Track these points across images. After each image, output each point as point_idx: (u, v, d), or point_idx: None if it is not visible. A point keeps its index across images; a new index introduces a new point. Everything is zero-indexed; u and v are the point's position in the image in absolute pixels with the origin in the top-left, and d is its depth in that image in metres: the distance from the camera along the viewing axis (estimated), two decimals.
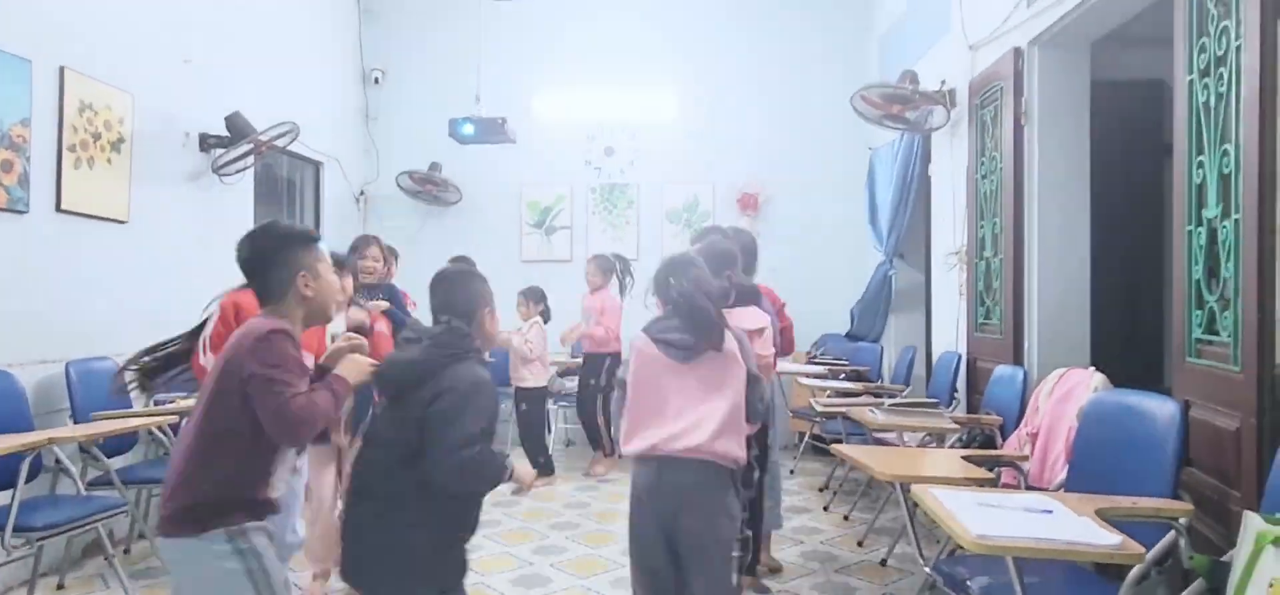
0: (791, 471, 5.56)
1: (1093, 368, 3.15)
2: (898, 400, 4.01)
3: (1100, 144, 3.88)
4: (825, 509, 4.65)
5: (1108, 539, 1.65)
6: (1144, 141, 4.45)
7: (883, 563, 3.74)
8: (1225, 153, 2.32)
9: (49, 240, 3.59)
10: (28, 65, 3.45)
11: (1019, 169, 3.81)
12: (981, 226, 4.28)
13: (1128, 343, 4.19)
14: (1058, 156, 3.76)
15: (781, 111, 6.53)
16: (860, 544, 4.00)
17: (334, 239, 6.21)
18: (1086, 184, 3.80)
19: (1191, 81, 2.50)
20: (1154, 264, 4.49)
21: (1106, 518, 1.85)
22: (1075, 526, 1.74)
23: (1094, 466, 2.40)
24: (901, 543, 3.83)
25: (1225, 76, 2.32)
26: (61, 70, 3.62)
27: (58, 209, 3.63)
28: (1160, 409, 2.25)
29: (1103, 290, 3.90)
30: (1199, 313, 2.46)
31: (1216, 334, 2.37)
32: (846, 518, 4.44)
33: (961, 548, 1.75)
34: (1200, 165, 2.45)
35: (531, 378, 5.26)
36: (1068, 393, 3.09)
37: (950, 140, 4.76)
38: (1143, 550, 1.65)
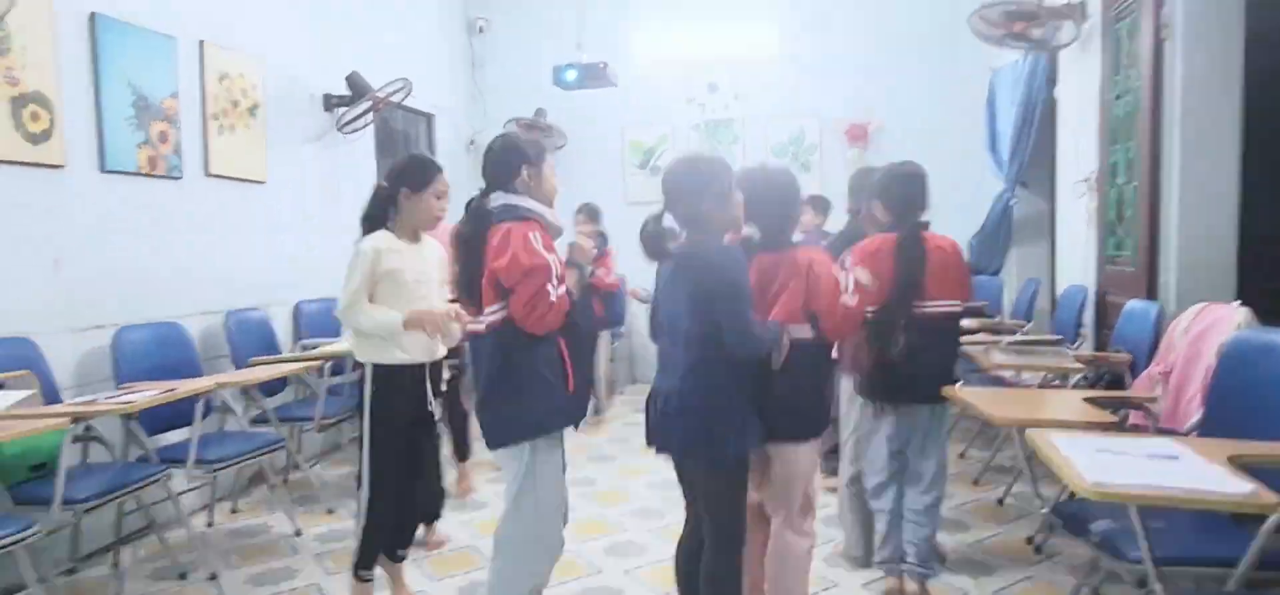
0: None
1: (1238, 303, 2.91)
2: (1018, 337, 3.84)
3: (1255, 57, 3.50)
4: None
5: (1238, 487, 1.57)
6: None
7: (1000, 502, 3.66)
8: None
9: (202, 202, 3.95)
10: (173, 42, 3.75)
11: (1158, 88, 3.51)
12: (1114, 151, 3.98)
13: (1277, 273, 3.83)
14: (1203, 73, 3.42)
15: (892, 38, 6.21)
16: (975, 483, 3.92)
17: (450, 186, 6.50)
18: (1237, 102, 3.45)
19: None
20: None
21: (1241, 464, 1.75)
22: (1203, 473, 1.66)
23: (1232, 409, 2.25)
24: (1020, 482, 3.73)
25: None
26: (201, 44, 3.92)
27: (207, 173, 3.97)
28: None
29: (1253, 219, 3.56)
30: None
31: None
32: (962, 456, 4.35)
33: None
34: None
35: None
36: (1206, 329, 2.88)
37: (1080, 58, 4.42)
38: (1277, 499, 1.56)
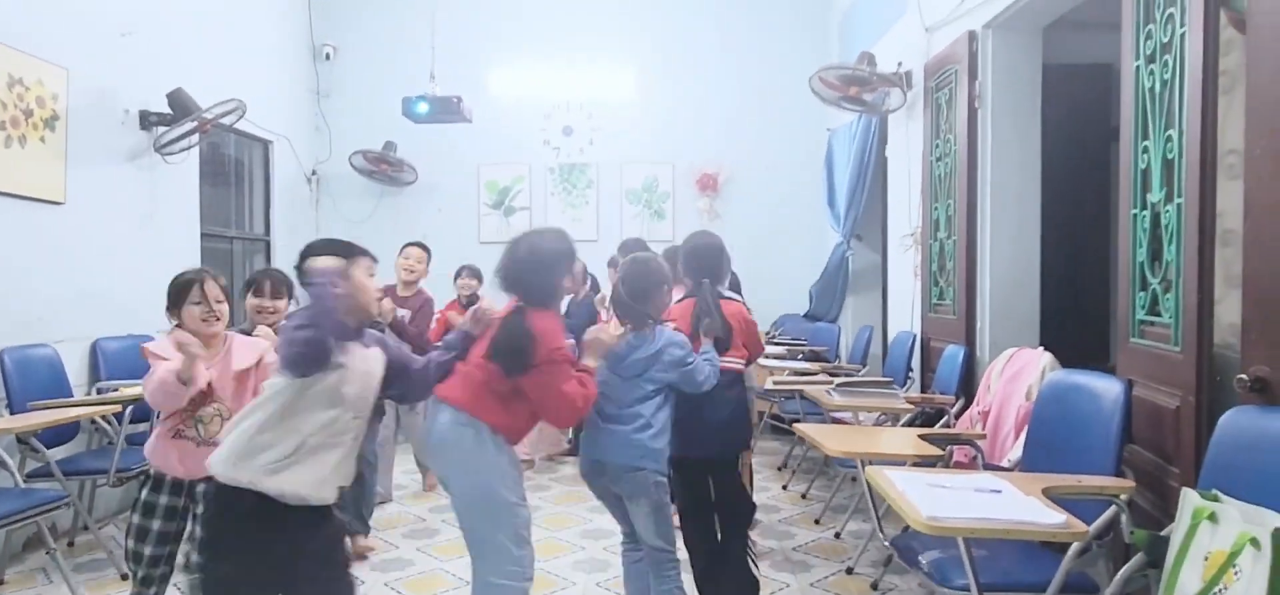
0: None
1: (1042, 348, 3.22)
2: (852, 379, 4.05)
3: (1051, 127, 3.96)
4: (784, 487, 4.71)
5: (1053, 518, 1.69)
6: (1093, 125, 4.56)
7: (836, 536, 3.80)
8: (1169, 138, 2.37)
9: None
10: None
11: (972, 151, 3.87)
12: (935, 208, 4.34)
13: (1074, 322, 4.30)
14: (1010, 139, 3.82)
15: (742, 91, 6.52)
16: (817, 522, 4.06)
17: (285, 219, 6.09)
18: (1037, 167, 3.88)
19: (1138, 67, 2.55)
20: (1101, 246, 4.61)
21: (1053, 496, 1.90)
22: (1023, 506, 1.78)
23: (1046, 444, 2.46)
24: (854, 519, 3.90)
25: (1170, 63, 2.36)
26: None
27: None
28: (1107, 388, 2.31)
29: (1051, 271, 3.99)
30: (1143, 294, 2.52)
31: (1159, 315, 2.43)
32: (804, 496, 4.50)
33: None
34: (1145, 150, 2.51)
35: None
36: (1017, 372, 3.16)
37: (906, 122, 4.80)
38: (1086, 529, 1.70)
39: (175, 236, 4.72)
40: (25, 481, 3.13)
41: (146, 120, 4.46)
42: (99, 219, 4.11)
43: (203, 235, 5.05)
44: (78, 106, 3.97)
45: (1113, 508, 2.03)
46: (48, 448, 3.24)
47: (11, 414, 3.33)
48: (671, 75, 6.57)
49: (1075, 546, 1.98)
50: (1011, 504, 1.79)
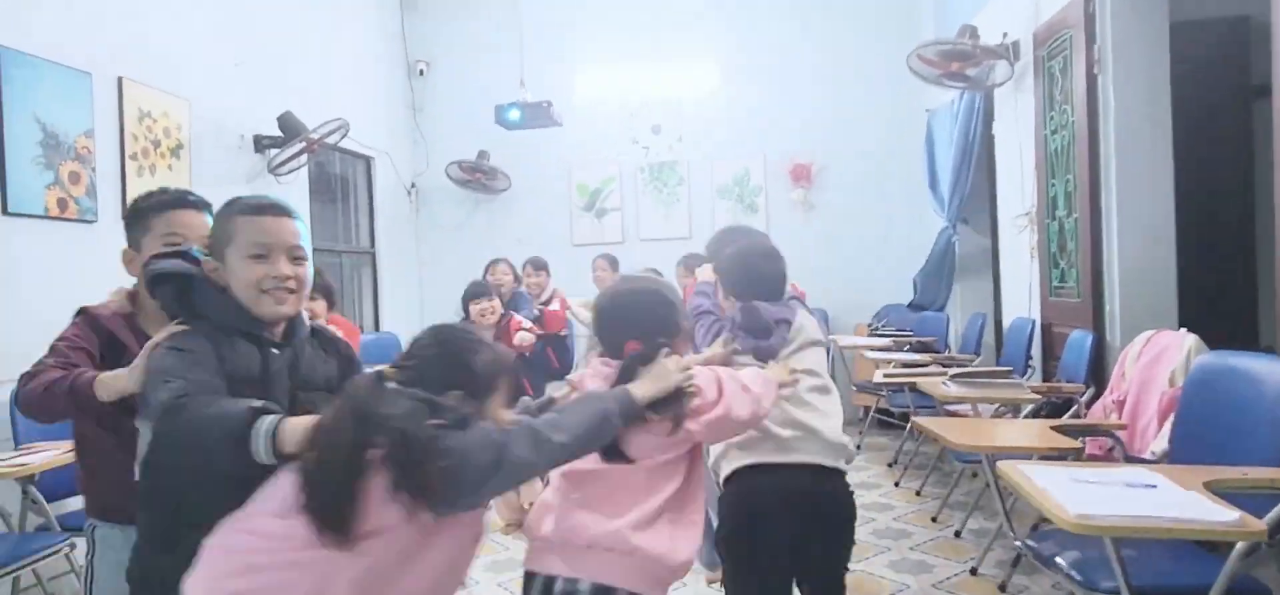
0: (858, 447, 5.43)
1: (1184, 329, 2.96)
2: (968, 370, 3.84)
3: (1181, 89, 3.63)
4: (896, 485, 4.52)
5: (1222, 515, 1.52)
6: (1230, 84, 4.18)
7: (957, 534, 3.61)
8: None
9: (116, 248, 3.67)
10: (88, 79, 3.52)
11: (1093, 121, 3.60)
12: (1053, 184, 4.07)
13: (1216, 300, 3.94)
14: (1136, 106, 3.53)
15: (832, 77, 6.32)
16: (934, 520, 3.87)
17: (388, 232, 6.32)
18: (1168, 134, 3.56)
19: None
20: (1243, 215, 4.23)
21: (1215, 490, 1.72)
22: (1184, 502, 1.61)
23: (1198, 434, 2.24)
24: (975, 517, 3.70)
25: None
26: (119, 81, 3.69)
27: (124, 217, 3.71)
28: (1268, 370, 2.08)
29: (1187, 245, 3.66)
30: None
31: None
32: (918, 493, 4.31)
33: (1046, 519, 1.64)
34: None
35: None
36: (1157, 356, 2.91)
37: (1015, 96, 4.53)
38: (1263, 527, 1.52)
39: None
40: None
41: (260, 143, 4.70)
42: None
43: (314, 251, 5.28)
44: (199, 134, 4.22)
45: None
46: None
47: None
48: (758, 67, 6.43)
49: (1242, 546, 1.79)
50: (1170, 500, 1.62)
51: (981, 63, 4.67)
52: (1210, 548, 2.05)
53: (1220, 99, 4.21)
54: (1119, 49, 3.53)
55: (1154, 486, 1.71)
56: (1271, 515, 1.79)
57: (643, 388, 1.41)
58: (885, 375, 4.06)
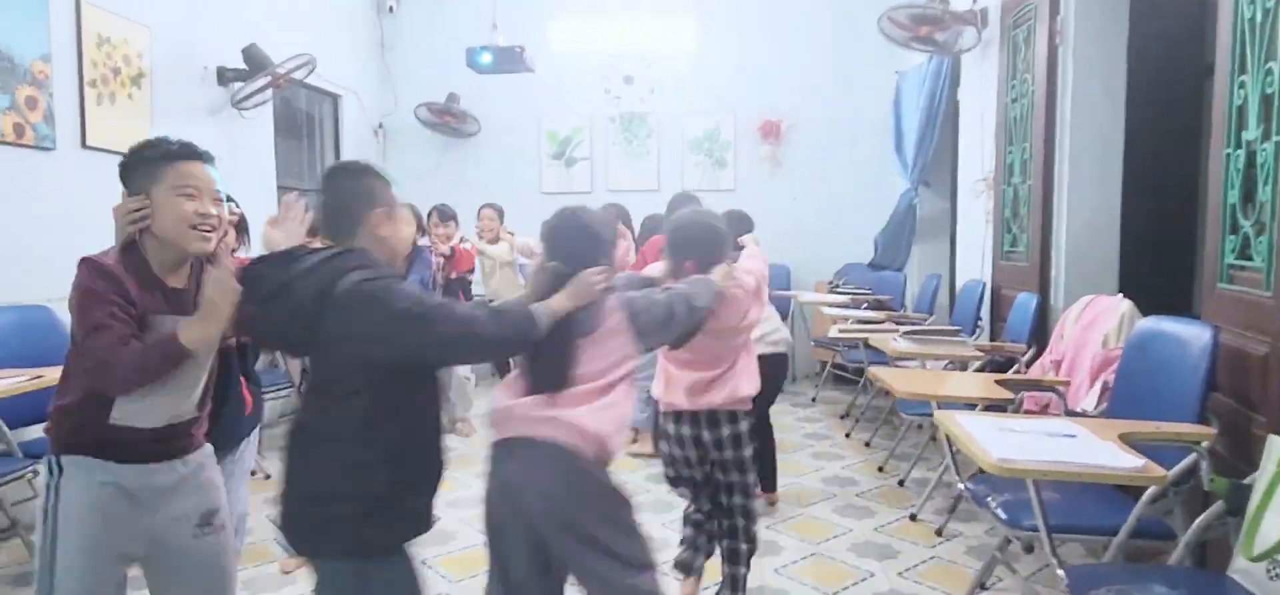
0: (813, 399, 5.60)
1: (1121, 295, 3.11)
2: (919, 328, 3.99)
3: (1137, 63, 3.75)
4: (846, 436, 4.70)
5: (1130, 462, 1.66)
6: (1183, 61, 4.30)
7: (901, 484, 3.79)
8: (1269, 71, 2.23)
9: (77, 176, 3.63)
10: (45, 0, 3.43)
11: (1052, 91, 3.71)
12: (1010, 151, 4.19)
13: (1154, 269, 4.12)
14: (1093, 77, 3.64)
15: (806, 37, 6.35)
16: (881, 469, 4.04)
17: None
18: (1121, 106, 3.69)
19: None
20: (1185, 189, 4.39)
21: (1130, 442, 1.85)
22: (1097, 450, 1.74)
23: (1130, 393, 2.39)
24: (918, 468, 3.87)
25: None
26: (77, 2, 3.60)
27: (83, 145, 3.65)
28: (1195, 335, 2.23)
29: (1131, 216, 3.82)
30: (1233, 238, 2.40)
31: (1250, 259, 2.32)
32: (867, 445, 4.48)
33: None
34: (1242, 85, 2.37)
35: None
36: (1094, 320, 3.06)
37: (981, 62, 4.62)
38: (1164, 473, 1.65)
39: (253, 190, 4.90)
40: None
41: (224, 76, 4.62)
42: None
43: (279, 188, 5.24)
44: (160, 64, 4.13)
45: (1192, 455, 1.98)
46: None
47: None
48: (733, 22, 6.44)
49: (1151, 491, 1.94)
50: (1086, 448, 1.75)
51: (950, 28, 4.74)
52: (1123, 492, 2.21)
53: (1176, 75, 4.34)
54: (1080, 21, 3.63)
55: (1073, 436, 1.84)
56: (1179, 467, 1.95)
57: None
58: (840, 330, 4.19)
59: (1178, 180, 4.43)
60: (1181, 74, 4.33)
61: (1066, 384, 2.93)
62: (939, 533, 3.21)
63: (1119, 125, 3.69)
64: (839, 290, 5.81)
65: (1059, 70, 3.68)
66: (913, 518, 3.37)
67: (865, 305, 5.04)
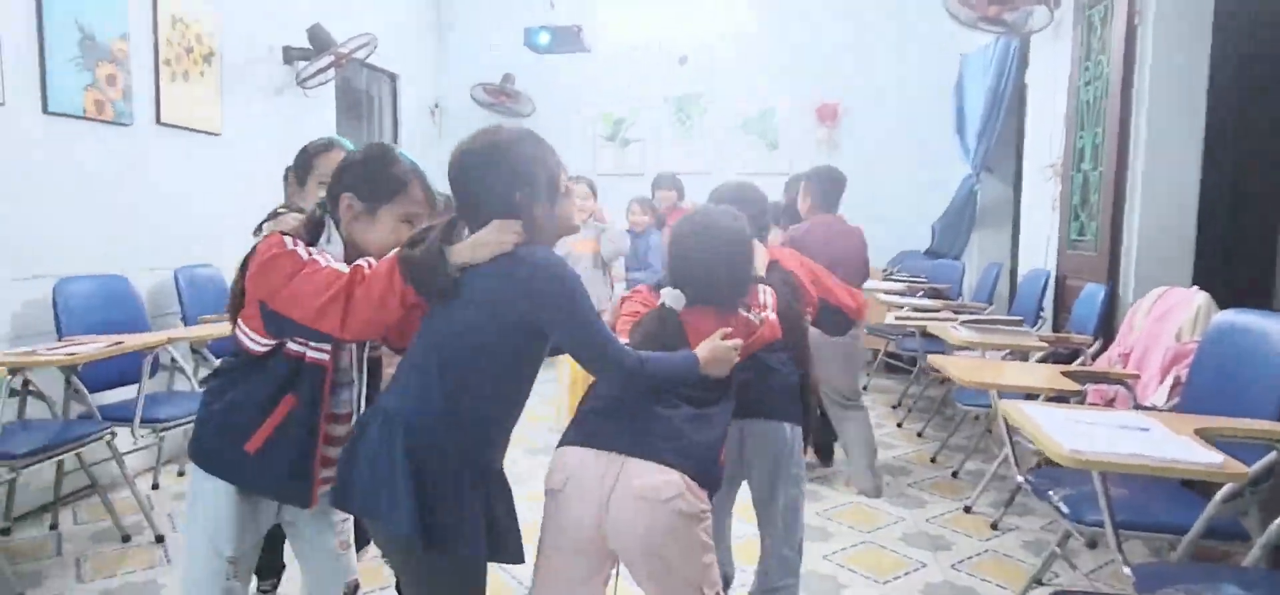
0: (865, 387, 5.52)
1: (1195, 287, 2.98)
2: (979, 317, 3.89)
3: (1221, 45, 3.56)
4: (898, 425, 4.62)
5: (1208, 457, 1.59)
6: (1273, 42, 4.07)
7: (954, 475, 3.72)
8: None
9: (152, 152, 3.77)
10: None
11: (1129, 73, 3.55)
12: (1081, 137, 4.04)
13: (1232, 260, 3.93)
14: (1173, 59, 3.47)
15: (863, 18, 6.21)
16: (933, 460, 3.97)
17: (411, 151, 6.33)
18: (1203, 91, 3.51)
19: None
20: (1268, 176, 4.17)
21: (1206, 438, 1.78)
22: (1174, 445, 1.67)
23: (1207, 387, 2.30)
24: (972, 459, 3.79)
25: None
26: None
27: (158, 121, 3.79)
28: (1278, 330, 2.12)
29: (1209, 204, 3.64)
30: None
31: None
32: (920, 435, 4.41)
33: (1046, 461, 1.73)
34: None
35: None
36: (1167, 312, 2.94)
37: (1052, 44, 4.46)
38: (1245, 470, 1.58)
39: None
40: (199, 386, 3.48)
41: (289, 55, 4.73)
42: (251, 149, 4.43)
43: None
44: (230, 43, 4.26)
45: (1272, 453, 1.89)
46: (216, 358, 3.58)
47: (186, 326, 3.69)
48: (791, 5, 6.32)
49: (1226, 489, 1.87)
50: (1161, 442, 1.69)
51: (1021, 7, 4.57)
52: (1192, 488, 2.12)
53: (1261, 57, 4.11)
54: (1162, 2, 3.47)
55: (1147, 429, 1.77)
56: (1259, 465, 1.87)
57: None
58: (897, 318, 4.11)
59: (1259, 169, 4.21)
60: (1270, 57, 4.10)
61: (1136, 377, 2.82)
62: (994, 526, 3.14)
63: (1200, 111, 3.51)
64: (893, 278, 5.70)
65: (1137, 51, 3.53)
66: (967, 510, 3.30)
67: (921, 293, 4.94)
